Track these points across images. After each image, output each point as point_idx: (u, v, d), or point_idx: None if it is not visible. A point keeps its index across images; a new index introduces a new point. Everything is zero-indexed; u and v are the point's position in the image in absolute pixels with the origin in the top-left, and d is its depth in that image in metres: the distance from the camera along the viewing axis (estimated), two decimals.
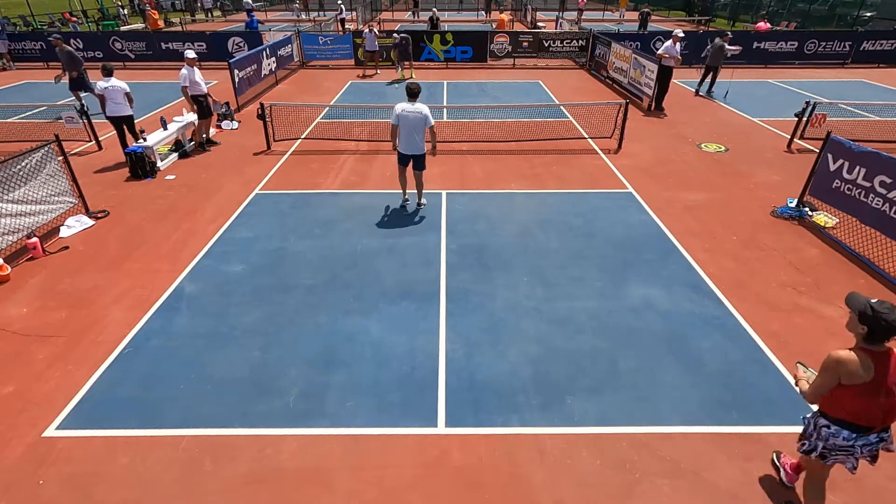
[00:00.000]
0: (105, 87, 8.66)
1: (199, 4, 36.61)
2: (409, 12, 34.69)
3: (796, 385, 3.11)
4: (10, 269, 5.93)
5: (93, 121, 9.80)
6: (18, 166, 6.31)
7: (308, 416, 4.10)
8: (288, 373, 4.52)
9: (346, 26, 24.63)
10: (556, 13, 30.57)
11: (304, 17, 32.91)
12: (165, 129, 9.39)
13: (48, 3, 31.80)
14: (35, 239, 6.31)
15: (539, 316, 5.26)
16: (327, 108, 12.41)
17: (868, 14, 24.76)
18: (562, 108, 12.56)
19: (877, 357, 2.66)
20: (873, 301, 2.63)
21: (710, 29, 27.10)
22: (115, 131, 9.14)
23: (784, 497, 3.48)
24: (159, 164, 8.90)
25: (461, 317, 5.24)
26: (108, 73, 8.77)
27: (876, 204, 6.16)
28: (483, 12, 35.68)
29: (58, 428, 3.99)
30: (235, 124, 11.46)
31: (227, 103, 11.62)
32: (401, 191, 7.56)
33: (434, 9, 23.43)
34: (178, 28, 25.34)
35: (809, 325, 5.15)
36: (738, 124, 11.62)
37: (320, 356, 4.72)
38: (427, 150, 7.06)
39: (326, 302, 5.47)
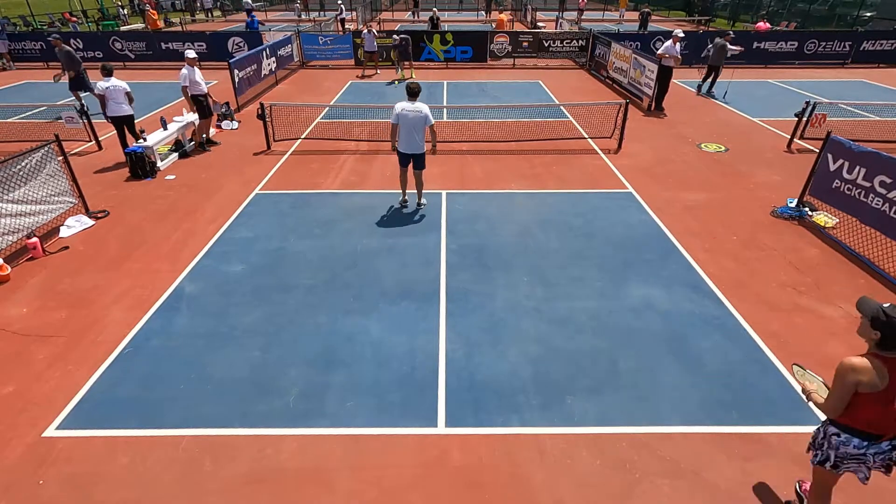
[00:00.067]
0: (106, 87, 8.65)
1: (198, 4, 36.62)
2: (410, 12, 34.70)
3: (808, 399, 2.95)
4: (10, 269, 5.93)
5: (93, 121, 9.80)
6: (18, 166, 6.31)
7: (308, 416, 4.10)
8: (288, 373, 4.53)
9: (346, 26, 24.65)
10: (556, 13, 30.59)
11: (304, 17, 32.92)
12: (165, 129, 9.39)
13: (48, 3, 31.81)
14: (35, 239, 6.32)
15: (539, 316, 5.26)
16: (327, 108, 12.41)
17: (868, 14, 24.76)
18: (562, 108, 12.56)
19: (891, 364, 2.55)
20: (885, 305, 2.53)
21: (710, 29, 27.11)
22: (115, 131, 9.14)
23: (784, 497, 3.47)
24: (159, 164, 8.90)
25: (461, 317, 5.24)
26: (107, 73, 8.77)
27: (876, 204, 6.16)
28: (483, 12, 35.69)
29: (58, 428, 4.00)
30: (235, 124, 11.46)
31: (227, 103, 11.62)
32: (401, 191, 7.57)
33: (434, 9, 23.43)
34: (178, 28, 25.35)
35: (809, 325, 5.15)
36: (738, 124, 11.61)
37: (320, 356, 4.72)
38: (427, 149, 7.07)
39: (326, 302, 5.47)
